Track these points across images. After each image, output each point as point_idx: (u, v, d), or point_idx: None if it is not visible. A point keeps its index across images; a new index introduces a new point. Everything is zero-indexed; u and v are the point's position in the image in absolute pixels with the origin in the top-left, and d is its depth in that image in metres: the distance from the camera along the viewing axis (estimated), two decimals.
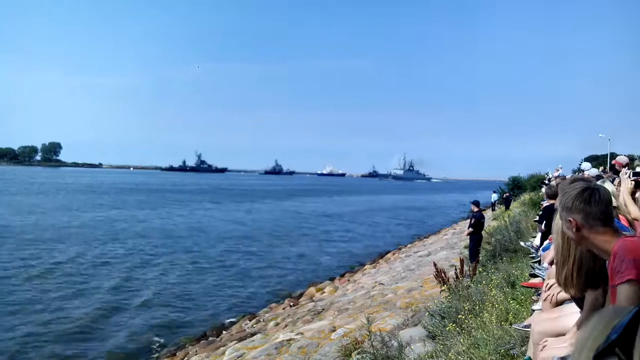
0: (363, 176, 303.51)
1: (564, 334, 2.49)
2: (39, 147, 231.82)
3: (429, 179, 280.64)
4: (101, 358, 10.65)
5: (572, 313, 2.69)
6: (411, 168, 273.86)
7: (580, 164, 27.01)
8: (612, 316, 0.67)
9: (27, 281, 16.36)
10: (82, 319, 12.80)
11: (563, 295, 3.27)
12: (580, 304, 2.51)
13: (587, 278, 2.17)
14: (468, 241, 12.66)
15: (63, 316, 13.07)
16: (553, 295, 3.36)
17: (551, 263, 4.33)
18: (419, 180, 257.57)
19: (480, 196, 19.63)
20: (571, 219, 1.99)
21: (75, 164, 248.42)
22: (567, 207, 2.01)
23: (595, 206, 1.97)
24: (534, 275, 6.15)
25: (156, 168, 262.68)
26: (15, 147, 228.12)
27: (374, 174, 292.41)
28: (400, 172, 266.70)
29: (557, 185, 6.62)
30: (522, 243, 8.83)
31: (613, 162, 8.21)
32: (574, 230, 1.99)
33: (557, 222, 2.23)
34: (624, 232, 2.04)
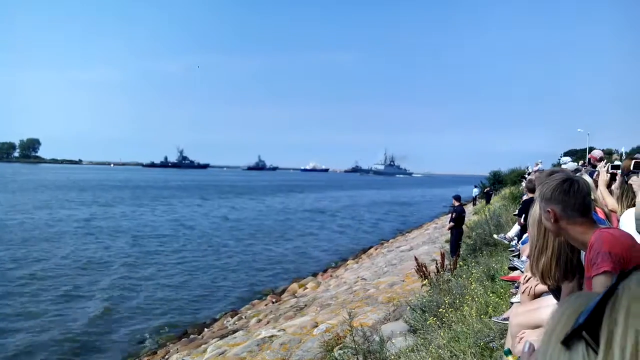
0: (346, 171, 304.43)
1: (541, 326, 2.49)
2: (17, 143, 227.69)
3: (410, 174, 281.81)
4: (81, 356, 10.48)
5: (549, 305, 2.70)
6: (392, 163, 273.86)
7: (559, 158, 27.34)
8: (580, 301, 0.66)
9: (9, 282, 16.03)
10: (60, 320, 12.54)
11: (541, 287, 3.29)
12: (557, 296, 2.51)
13: (565, 269, 2.17)
14: (449, 235, 12.75)
15: (40, 317, 12.83)
16: (531, 287, 3.38)
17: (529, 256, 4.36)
18: (400, 175, 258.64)
19: (462, 191, 19.82)
20: (550, 210, 1.98)
21: (55, 161, 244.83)
22: (546, 197, 2.00)
23: (574, 197, 1.96)
24: (513, 269, 6.20)
25: (137, 164, 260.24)
26: None
27: (357, 170, 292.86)
28: (382, 167, 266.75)
29: (536, 178, 6.68)
30: (495, 235, 8.91)
31: (589, 156, 8.32)
32: (552, 220, 1.98)
33: (534, 213, 2.23)
34: (600, 225, 2.04)
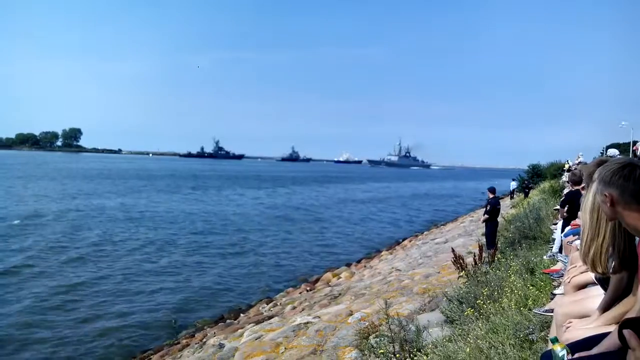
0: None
1: (588, 316, 2.47)
2: (60, 132, 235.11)
3: (427, 166, 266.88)
4: (122, 338, 10.87)
5: (596, 295, 2.66)
6: (407, 154, 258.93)
7: (602, 152, 26.50)
8: None
9: (50, 265, 16.74)
10: (102, 304, 13.04)
11: (584, 278, 3.24)
12: (605, 286, 2.48)
13: (623, 258, 2.12)
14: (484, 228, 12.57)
15: (82, 297, 13.38)
16: (572, 277, 3.34)
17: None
18: (415, 167, 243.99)
19: (493, 184, 19.49)
20: (607, 194, 1.94)
21: (95, 150, 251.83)
22: (605, 180, 1.96)
23: (633, 183, 1.90)
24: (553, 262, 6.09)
25: (174, 154, 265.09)
26: (37, 133, 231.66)
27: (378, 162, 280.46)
28: (395, 158, 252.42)
29: (580, 171, 6.51)
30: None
31: (634, 148, 8.04)
32: (609, 205, 1.95)
33: (588, 200, 2.19)
34: None
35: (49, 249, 18.87)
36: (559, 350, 2.05)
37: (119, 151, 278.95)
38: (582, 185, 5.31)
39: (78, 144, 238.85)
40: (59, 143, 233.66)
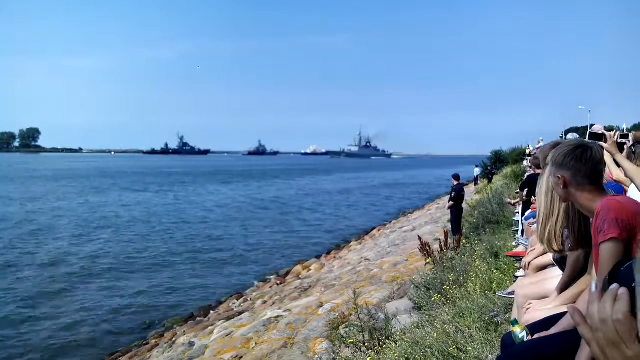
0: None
1: (547, 297, 2.52)
2: (17, 133, 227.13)
3: (388, 156, 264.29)
4: (89, 341, 10.61)
5: (555, 276, 2.72)
6: (368, 144, 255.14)
7: (561, 136, 27.26)
8: None
9: (12, 268, 16.18)
10: (67, 306, 12.69)
11: (543, 260, 3.32)
12: (562, 267, 2.53)
13: (577, 237, 2.16)
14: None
15: (48, 300, 12.98)
16: (530, 261, 3.41)
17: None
18: (375, 157, 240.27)
19: (458, 171, 19.80)
20: (560, 175, 1.97)
21: (55, 150, 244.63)
22: (558, 162, 1.99)
23: (585, 164, 1.95)
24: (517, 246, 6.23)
25: (138, 151, 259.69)
26: None
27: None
28: (355, 149, 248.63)
29: (540, 152, 6.65)
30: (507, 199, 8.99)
31: (589, 131, 8.28)
32: (562, 187, 1.98)
33: (543, 183, 2.23)
34: (609, 191, 2.04)
35: (10, 252, 18.22)
36: (519, 331, 2.08)
37: (80, 150, 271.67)
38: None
39: (37, 144, 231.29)
40: (16, 144, 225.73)
